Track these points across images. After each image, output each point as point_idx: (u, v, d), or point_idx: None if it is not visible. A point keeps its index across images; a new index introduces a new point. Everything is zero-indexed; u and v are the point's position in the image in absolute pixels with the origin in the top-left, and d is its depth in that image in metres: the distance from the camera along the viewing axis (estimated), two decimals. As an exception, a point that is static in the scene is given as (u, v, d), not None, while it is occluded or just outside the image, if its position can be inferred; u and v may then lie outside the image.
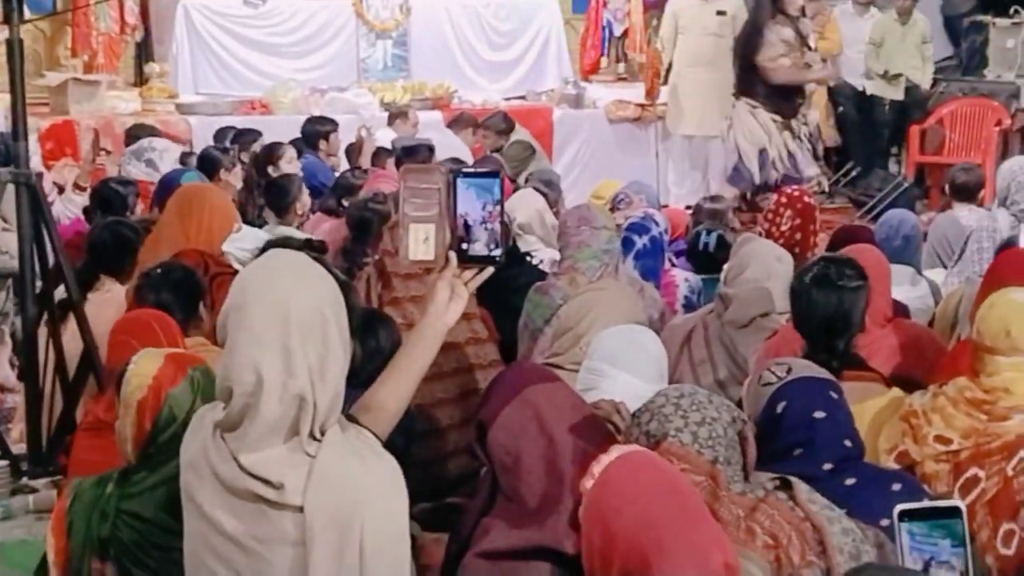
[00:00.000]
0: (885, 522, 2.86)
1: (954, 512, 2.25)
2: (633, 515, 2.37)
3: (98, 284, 5.45)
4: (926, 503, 2.28)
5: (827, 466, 3.25)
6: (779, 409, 3.32)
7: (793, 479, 2.95)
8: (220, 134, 9.48)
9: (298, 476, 2.51)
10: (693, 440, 2.82)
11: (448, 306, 2.79)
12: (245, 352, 2.52)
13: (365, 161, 9.19)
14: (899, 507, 2.25)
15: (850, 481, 3.24)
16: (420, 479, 3.98)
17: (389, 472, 2.59)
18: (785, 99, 10.51)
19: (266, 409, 2.51)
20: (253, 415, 2.52)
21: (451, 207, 2.74)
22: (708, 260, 6.25)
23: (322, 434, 2.55)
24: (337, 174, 8.65)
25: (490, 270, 2.82)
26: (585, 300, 4.65)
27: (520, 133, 10.58)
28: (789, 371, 3.39)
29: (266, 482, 2.51)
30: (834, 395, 3.36)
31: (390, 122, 10.40)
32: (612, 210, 7.10)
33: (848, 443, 3.31)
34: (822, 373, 3.46)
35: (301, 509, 2.50)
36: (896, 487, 3.25)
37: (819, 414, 3.29)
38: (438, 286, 2.78)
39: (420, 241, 2.76)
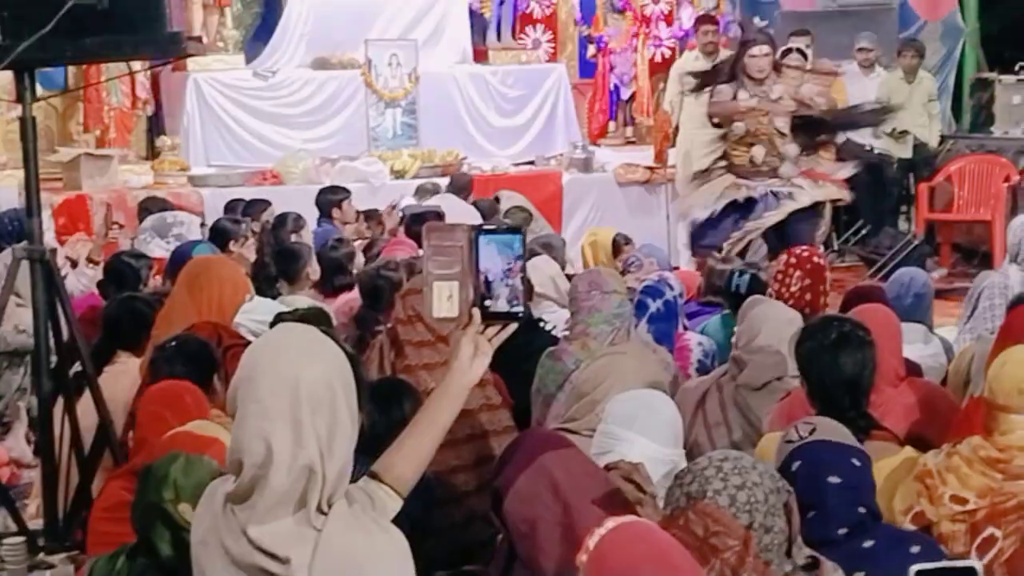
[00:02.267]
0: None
1: (970, 573, 2.24)
2: None
3: (114, 358, 5.47)
4: (942, 563, 2.27)
5: (842, 531, 3.25)
6: (793, 468, 3.33)
7: (826, 563, 2.92)
8: (231, 206, 9.52)
9: (304, 551, 2.52)
10: (731, 503, 2.81)
11: (472, 363, 2.79)
12: (255, 424, 2.54)
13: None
14: (915, 567, 2.24)
15: (868, 543, 3.24)
16: (437, 547, 4.00)
17: (395, 546, 2.60)
18: None
19: (275, 480, 2.52)
20: (263, 486, 2.53)
21: (473, 264, 2.76)
22: (742, 301, 6.26)
23: (329, 507, 2.56)
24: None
25: (513, 326, 2.83)
26: (603, 365, 4.63)
27: (514, 199, 10.56)
28: (812, 432, 3.40)
29: (273, 556, 2.53)
30: (856, 462, 3.35)
31: (421, 197, 10.44)
32: (623, 273, 7.12)
33: (862, 510, 3.30)
34: (847, 439, 3.45)
35: None
36: (914, 549, 3.24)
37: (833, 479, 3.29)
38: (462, 343, 2.79)
39: (444, 298, 2.77)
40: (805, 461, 3.32)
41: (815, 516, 3.22)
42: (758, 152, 9.40)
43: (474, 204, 10.23)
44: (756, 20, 13.69)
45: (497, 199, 10.39)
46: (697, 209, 9.79)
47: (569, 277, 6.93)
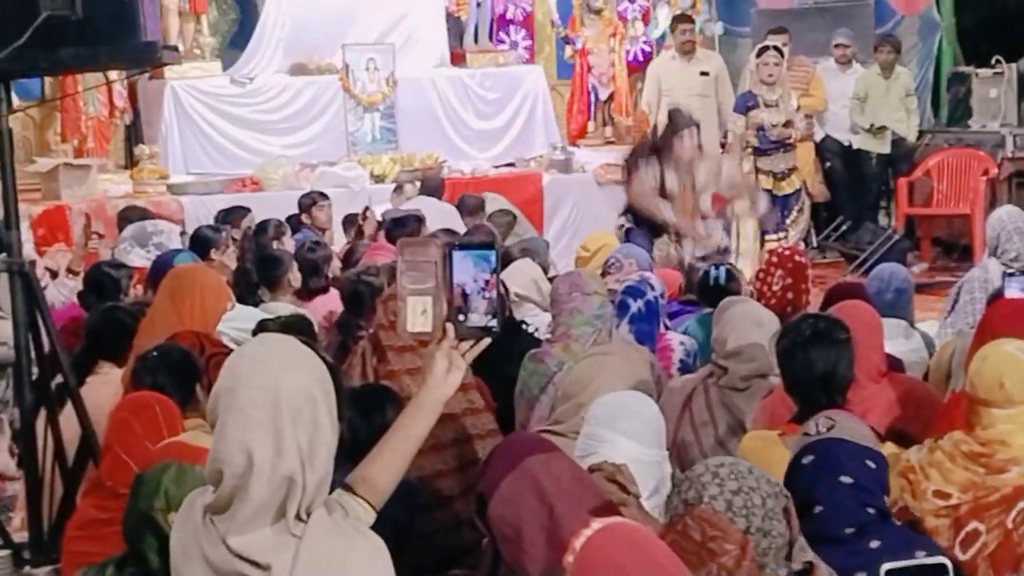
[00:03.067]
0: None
1: (941, 570, 2.25)
2: None
3: (96, 368, 5.46)
4: (912, 562, 2.28)
5: (849, 530, 3.26)
6: (804, 461, 3.35)
7: (820, 568, 2.92)
8: (220, 216, 9.43)
9: (285, 557, 2.52)
10: (727, 508, 2.82)
11: (446, 377, 2.81)
12: (235, 435, 2.54)
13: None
14: (885, 566, 2.25)
15: (874, 544, 3.25)
16: (423, 551, 4.00)
17: (376, 552, 2.60)
18: None
19: (255, 491, 2.52)
20: (242, 497, 2.54)
21: (448, 279, 2.77)
22: (720, 293, 6.27)
23: (308, 515, 2.56)
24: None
25: (487, 341, 2.85)
26: (589, 366, 4.63)
27: (498, 201, 10.57)
28: (831, 428, 3.41)
29: (254, 564, 2.53)
30: (871, 464, 3.36)
31: (397, 194, 10.43)
32: (603, 274, 7.10)
33: (871, 511, 3.31)
34: (866, 439, 3.46)
35: None
36: (920, 555, 3.25)
37: (845, 479, 3.30)
38: (436, 357, 2.81)
39: (418, 313, 2.79)
40: (818, 456, 3.34)
41: (823, 512, 3.23)
42: (688, 247, 9.32)
43: (460, 201, 10.25)
44: (721, 25, 13.69)
45: (480, 204, 10.38)
46: None
47: (552, 280, 6.93)
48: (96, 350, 5.49)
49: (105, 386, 5.27)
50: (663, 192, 9.01)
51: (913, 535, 3.46)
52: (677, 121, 9.36)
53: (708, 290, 6.44)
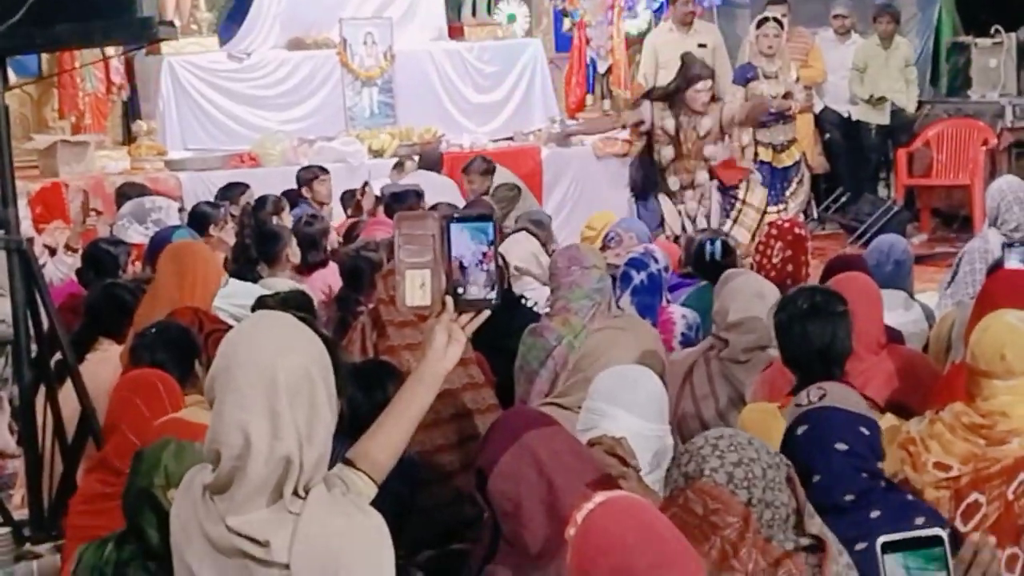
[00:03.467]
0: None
1: (936, 541, 2.24)
2: (609, 567, 2.36)
3: (96, 345, 5.46)
4: (907, 534, 2.27)
5: (848, 497, 3.26)
6: (799, 432, 3.35)
7: (831, 546, 2.91)
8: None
9: (284, 534, 2.52)
10: (728, 480, 2.80)
11: (446, 350, 2.80)
12: (232, 415, 2.54)
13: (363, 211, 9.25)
14: (881, 539, 2.24)
15: (875, 514, 3.25)
16: (423, 526, 4.01)
17: (374, 528, 2.60)
18: None
19: (253, 471, 2.52)
20: (240, 477, 2.54)
21: (445, 252, 2.76)
22: (716, 267, 6.28)
23: (306, 492, 2.56)
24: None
25: (486, 313, 2.84)
26: (600, 341, 4.59)
27: (504, 174, 10.59)
28: (822, 398, 3.41)
29: (253, 540, 2.53)
30: (864, 431, 3.36)
31: (398, 170, 10.43)
32: (603, 248, 7.10)
33: (866, 476, 3.31)
34: (859, 407, 3.46)
35: (287, 566, 2.51)
36: (919, 520, 3.26)
37: (840, 446, 3.30)
38: (435, 331, 2.80)
39: (416, 287, 2.78)
40: (812, 425, 3.34)
41: (821, 481, 3.23)
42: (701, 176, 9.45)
43: (471, 161, 10.30)
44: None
45: (493, 168, 10.40)
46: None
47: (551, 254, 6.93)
48: (95, 327, 5.49)
49: (104, 363, 5.26)
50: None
51: (913, 502, 3.46)
52: (691, 68, 9.46)
53: (704, 263, 6.45)
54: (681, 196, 9.50)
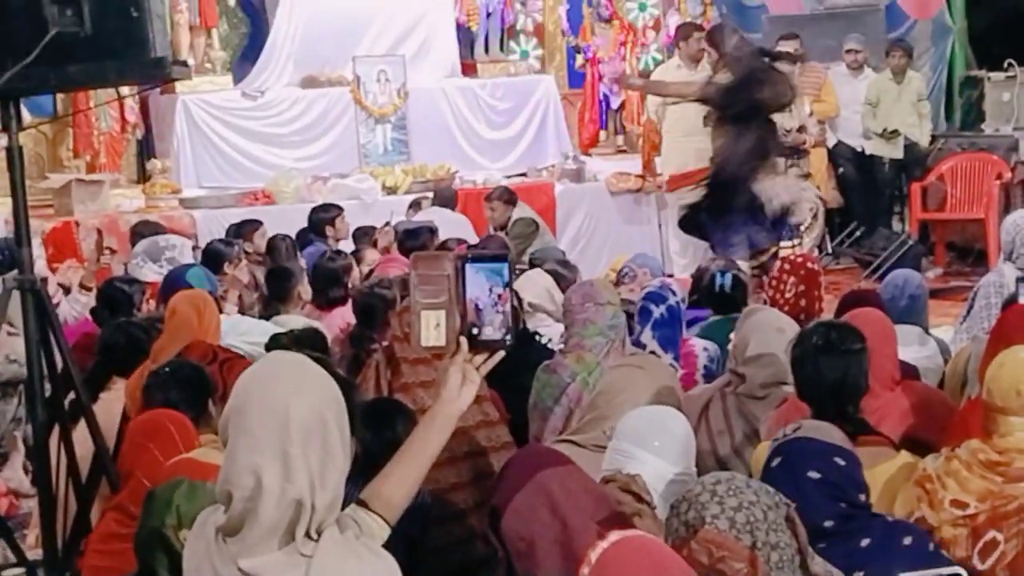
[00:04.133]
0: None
1: None
2: None
3: (109, 384, 5.46)
4: (929, 572, 2.27)
5: (828, 523, 3.25)
6: (773, 464, 3.35)
7: None
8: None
9: None
10: (730, 526, 2.79)
11: (460, 391, 2.81)
12: (244, 456, 2.53)
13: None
14: None
15: (864, 542, 3.24)
16: (437, 565, 3.99)
17: (387, 571, 2.60)
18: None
19: (264, 514, 2.52)
20: (252, 520, 2.53)
21: (461, 293, 2.77)
22: (725, 300, 6.27)
23: (318, 534, 2.55)
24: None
25: (501, 354, 2.84)
26: (617, 379, 4.57)
27: (523, 209, 10.63)
28: (797, 430, 3.41)
29: None
30: (840, 461, 3.36)
31: (413, 210, 10.46)
32: (617, 284, 7.10)
33: (843, 505, 3.30)
34: (833, 438, 3.45)
35: None
36: (907, 541, 3.28)
37: (813, 474, 3.30)
38: (450, 372, 2.81)
39: (432, 327, 2.79)
40: (784, 456, 3.35)
41: (795, 509, 3.22)
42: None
43: (490, 194, 10.44)
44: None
45: (515, 200, 10.44)
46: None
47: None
48: (108, 366, 5.50)
49: (118, 402, 5.27)
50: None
51: (896, 524, 3.46)
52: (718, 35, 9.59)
53: (713, 295, 6.45)
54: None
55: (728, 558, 2.73)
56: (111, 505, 4.40)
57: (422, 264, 2.81)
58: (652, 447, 3.71)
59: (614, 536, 2.51)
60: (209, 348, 5.35)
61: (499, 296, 2.78)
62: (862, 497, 3.40)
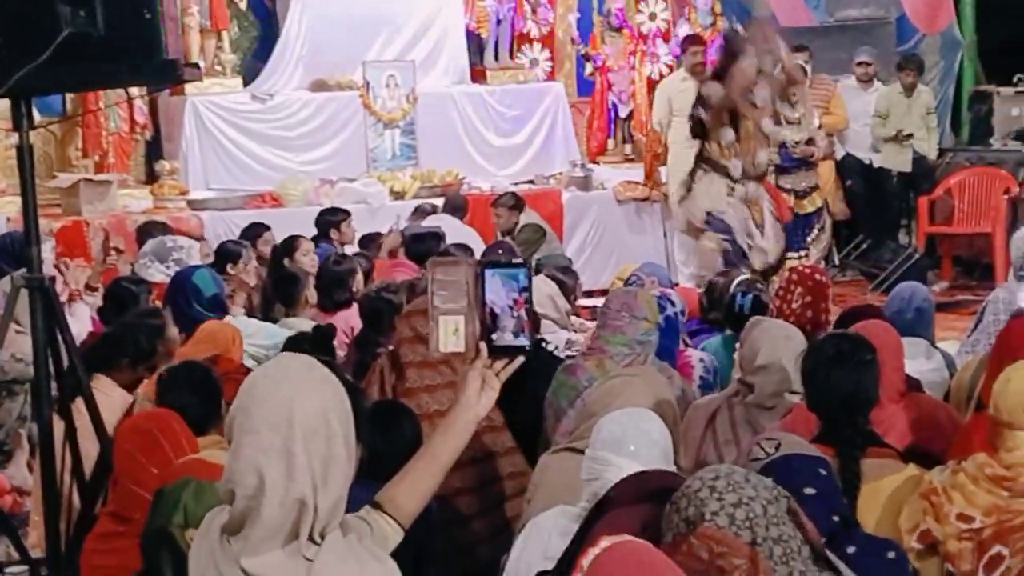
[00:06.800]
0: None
1: None
2: None
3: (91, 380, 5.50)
4: None
5: (823, 541, 3.26)
6: None
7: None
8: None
9: None
10: (730, 522, 2.77)
11: (479, 397, 2.81)
12: (248, 455, 2.53)
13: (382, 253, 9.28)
14: None
15: (851, 549, 3.26)
16: (444, 571, 3.99)
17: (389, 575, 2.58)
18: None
19: (267, 513, 2.51)
20: (254, 518, 2.52)
21: (479, 298, 2.78)
22: (744, 321, 6.26)
23: (322, 538, 2.55)
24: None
25: (520, 359, 2.85)
26: (612, 387, 4.59)
27: (530, 215, 10.63)
28: (778, 447, 3.41)
29: None
30: (823, 472, 3.38)
31: (418, 217, 10.46)
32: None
33: (836, 518, 3.31)
34: (811, 451, 3.47)
35: None
36: (891, 555, 3.31)
37: (809, 490, 3.30)
38: (469, 377, 2.81)
39: (450, 333, 2.79)
40: (779, 476, 3.32)
41: None
42: (762, 156, 9.48)
43: (497, 199, 10.49)
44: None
45: (522, 205, 10.45)
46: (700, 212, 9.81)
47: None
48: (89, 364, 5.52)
49: (104, 398, 5.28)
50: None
51: (877, 539, 3.46)
52: (735, 44, 9.51)
53: (733, 315, 6.44)
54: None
55: (728, 555, 2.72)
56: (105, 510, 4.42)
57: (440, 269, 2.82)
58: (628, 451, 3.68)
59: (605, 542, 2.51)
60: (233, 363, 5.38)
61: (516, 301, 2.79)
62: (845, 503, 3.41)
